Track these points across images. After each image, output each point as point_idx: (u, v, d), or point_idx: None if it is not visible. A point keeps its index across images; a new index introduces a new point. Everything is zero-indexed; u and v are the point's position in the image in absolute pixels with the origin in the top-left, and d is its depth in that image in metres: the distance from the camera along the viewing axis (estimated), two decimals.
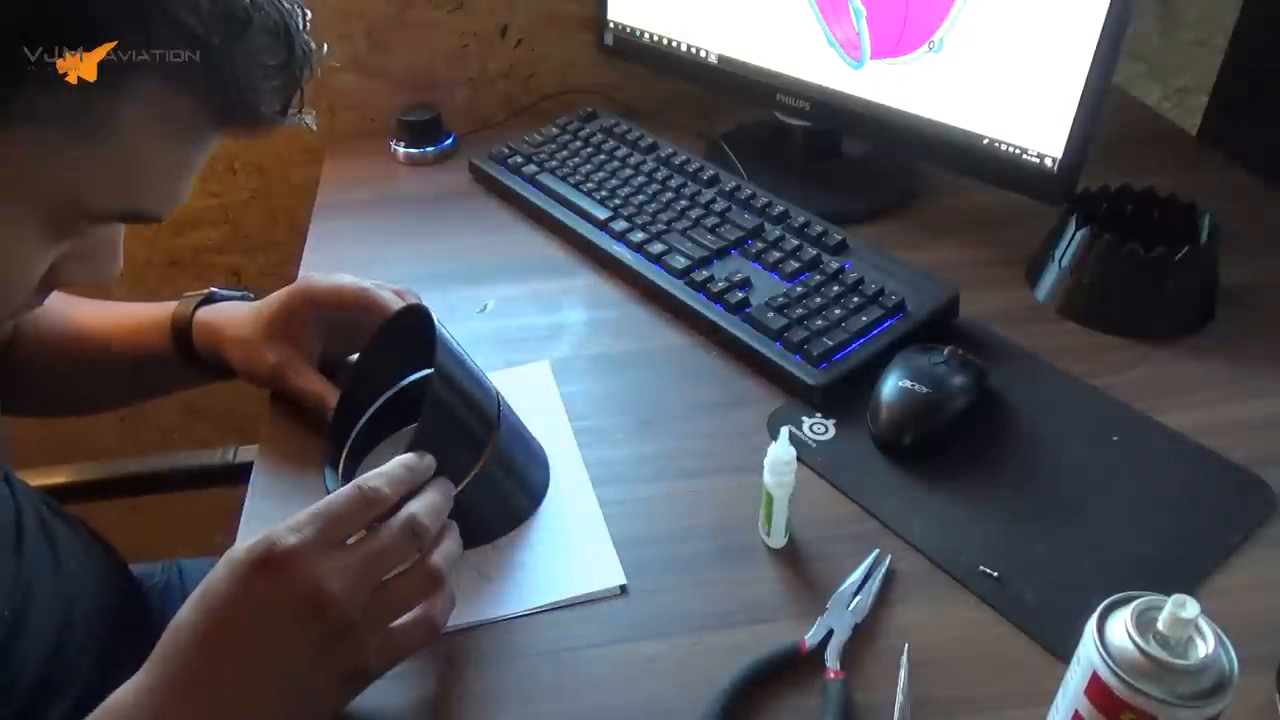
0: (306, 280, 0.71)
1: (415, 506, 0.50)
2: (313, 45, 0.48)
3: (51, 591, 0.65)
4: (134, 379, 0.79)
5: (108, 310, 0.78)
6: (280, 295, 0.71)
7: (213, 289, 0.76)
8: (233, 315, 0.72)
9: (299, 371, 0.69)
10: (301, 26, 0.47)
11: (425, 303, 0.69)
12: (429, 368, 0.56)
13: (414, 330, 0.61)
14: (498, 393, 0.62)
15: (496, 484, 0.62)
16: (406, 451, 0.52)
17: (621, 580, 0.59)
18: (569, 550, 0.62)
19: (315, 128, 0.52)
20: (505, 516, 0.63)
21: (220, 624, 0.45)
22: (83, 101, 0.41)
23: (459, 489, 0.55)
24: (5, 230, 0.45)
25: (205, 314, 0.73)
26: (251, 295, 0.76)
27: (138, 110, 0.43)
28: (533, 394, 0.72)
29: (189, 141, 0.47)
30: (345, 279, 0.70)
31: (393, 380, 0.65)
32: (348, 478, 0.60)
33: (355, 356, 0.70)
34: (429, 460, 0.53)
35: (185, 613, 0.46)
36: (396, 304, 0.68)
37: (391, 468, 0.51)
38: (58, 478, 0.85)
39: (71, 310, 0.77)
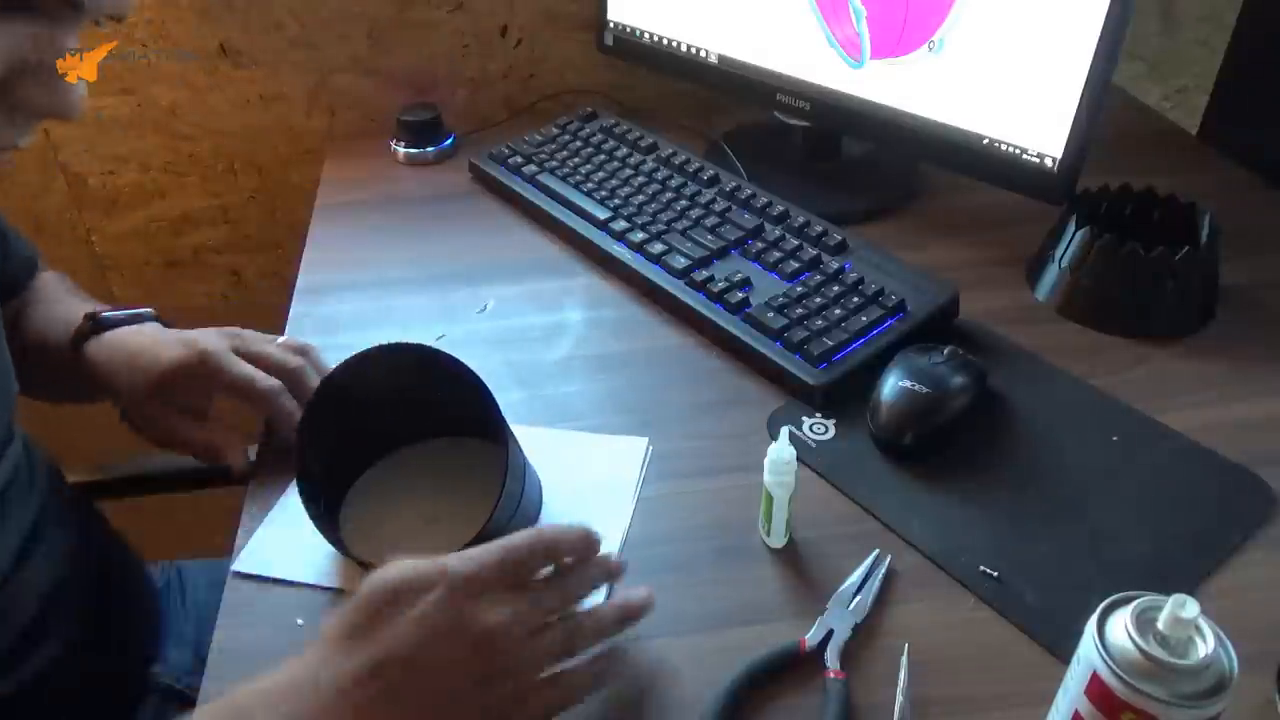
0: (216, 355, 0.65)
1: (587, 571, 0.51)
2: None
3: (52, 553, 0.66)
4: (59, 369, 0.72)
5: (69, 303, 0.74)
6: (175, 356, 0.64)
7: (101, 313, 0.70)
8: (127, 359, 0.67)
9: (187, 435, 0.67)
10: None
11: (425, 303, 0.67)
12: (418, 391, 0.58)
13: (406, 358, 0.60)
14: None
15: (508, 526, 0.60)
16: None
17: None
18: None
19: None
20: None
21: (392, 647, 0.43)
22: None
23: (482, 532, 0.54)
24: None
25: (97, 352, 0.68)
26: (154, 312, 0.72)
27: None
28: (613, 465, 0.67)
29: None
30: (257, 377, 0.64)
31: (369, 400, 0.61)
32: (324, 497, 0.61)
33: (331, 368, 0.63)
34: (598, 538, 0.52)
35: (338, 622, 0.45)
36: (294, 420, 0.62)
37: (575, 531, 0.51)
38: None
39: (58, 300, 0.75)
